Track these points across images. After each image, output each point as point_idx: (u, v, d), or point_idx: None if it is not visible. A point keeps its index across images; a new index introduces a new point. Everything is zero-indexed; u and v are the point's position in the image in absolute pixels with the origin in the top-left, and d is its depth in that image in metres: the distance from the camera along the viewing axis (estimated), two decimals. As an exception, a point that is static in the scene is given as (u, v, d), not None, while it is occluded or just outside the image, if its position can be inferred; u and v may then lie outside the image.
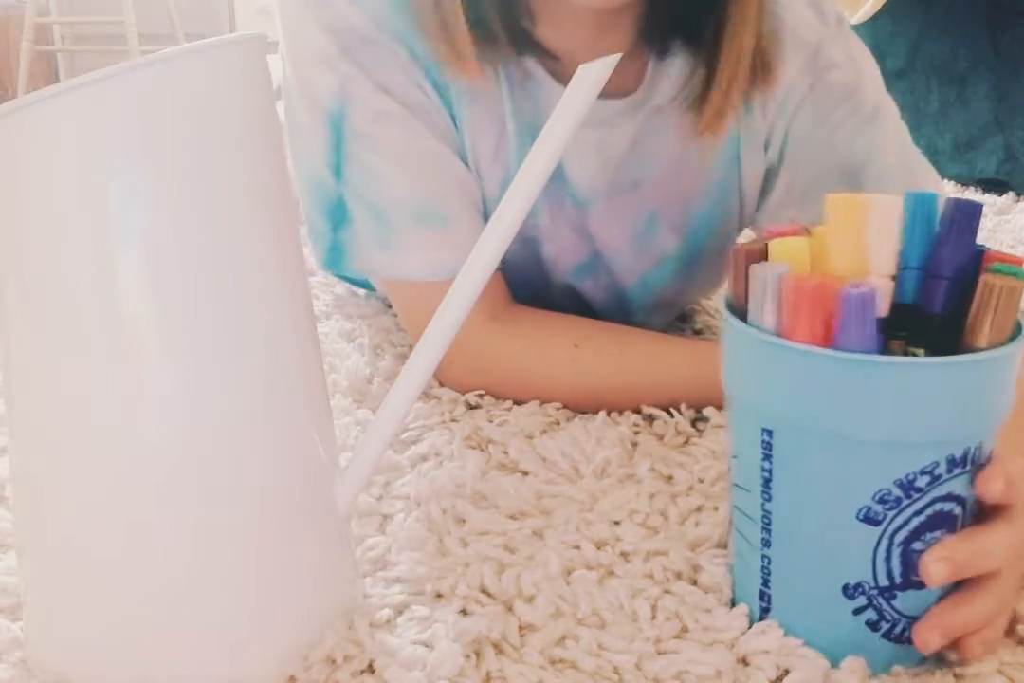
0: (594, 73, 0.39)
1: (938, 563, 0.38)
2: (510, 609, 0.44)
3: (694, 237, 0.74)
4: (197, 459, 0.37)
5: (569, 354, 0.65)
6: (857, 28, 0.85)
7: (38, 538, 0.40)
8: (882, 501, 0.38)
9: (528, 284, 0.73)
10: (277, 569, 0.40)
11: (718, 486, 0.54)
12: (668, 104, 0.69)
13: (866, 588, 0.39)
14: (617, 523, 0.51)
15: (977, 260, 0.39)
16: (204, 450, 0.37)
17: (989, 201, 1.35)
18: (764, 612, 0.42)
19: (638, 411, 0.64)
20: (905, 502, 0.38)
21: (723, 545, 0.48)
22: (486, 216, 0.69)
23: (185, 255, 0.36)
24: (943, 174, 1.28)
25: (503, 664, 0.41)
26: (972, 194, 1.41)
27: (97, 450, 0.37)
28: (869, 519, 0.38)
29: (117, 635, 0.39)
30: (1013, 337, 0.37)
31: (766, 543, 0.41)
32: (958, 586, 0.40)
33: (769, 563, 0.41)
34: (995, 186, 1.43)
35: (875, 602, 0.39)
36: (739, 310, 0.40)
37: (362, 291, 0.90)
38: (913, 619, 0.40)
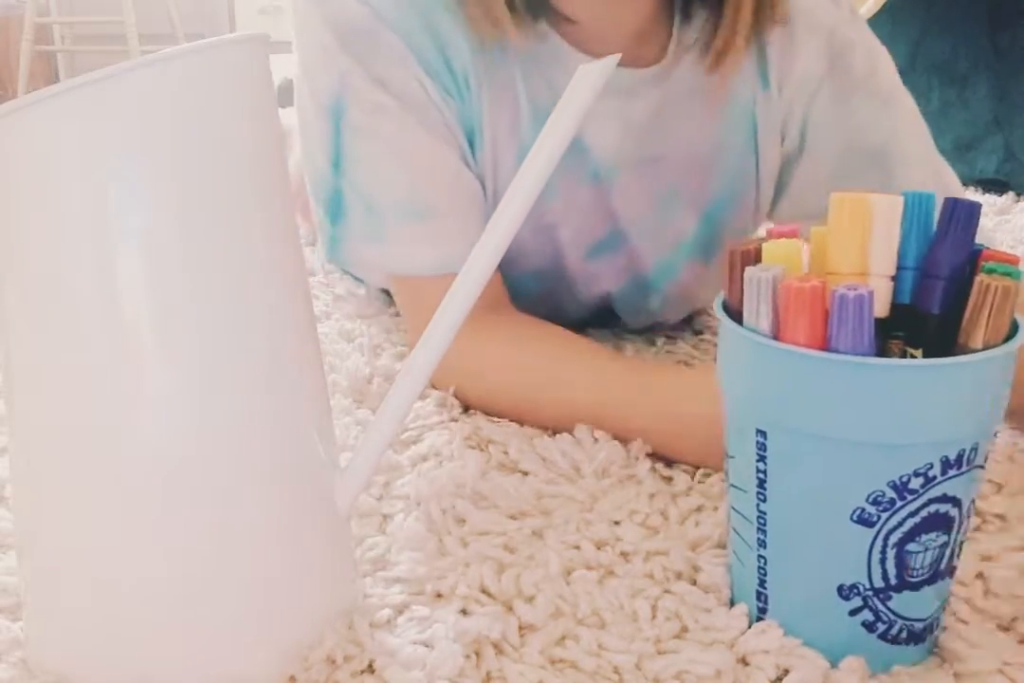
0: (594, 73, 0.39)
1: None
2: (510, 609, 0.44)
3: (710, 220, 0.74)
4: (197, 459, 0.37)
5: (507, 360, 0.63)
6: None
7: (38, 538, 0.40)
8: (875, 502, 0.37)
9: (542, 278, 0.73)
10: (277, 569, 0.40)
11: (718, 486, 0.54)
12: (690, 72, 0.69)
13: (861, 589, 0.39)
14: (617, 523, 0.51)
15: (975, 260, 0.39)
16: (204, 450, 0.37)
17: (989, 201, 1.35)
18: (762, 612, 0.42)
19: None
20: (899, 504, 0.37)
21: (723, 545, 0.48)
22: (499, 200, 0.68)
23: (185, 255, 0.36)
24: (943, 174, 1.28)
25: (503, 664, 0.41)
26: (972, 194, 1.41)
27: (97, 450, 0.37)
28: (862, 520, 0.38)
29: (117, 635, 0.39)
30: (1009, 337, 0.37)
31: (762, 543, 0.41)
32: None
33: (765, 564, 0.41)
34: (995, 186, 1.43)
35: (871, 603, 0.39)
36: (734, 311, 0.40)
37: (362, 291, 0.90)
38: (909, 620, 0.40)
